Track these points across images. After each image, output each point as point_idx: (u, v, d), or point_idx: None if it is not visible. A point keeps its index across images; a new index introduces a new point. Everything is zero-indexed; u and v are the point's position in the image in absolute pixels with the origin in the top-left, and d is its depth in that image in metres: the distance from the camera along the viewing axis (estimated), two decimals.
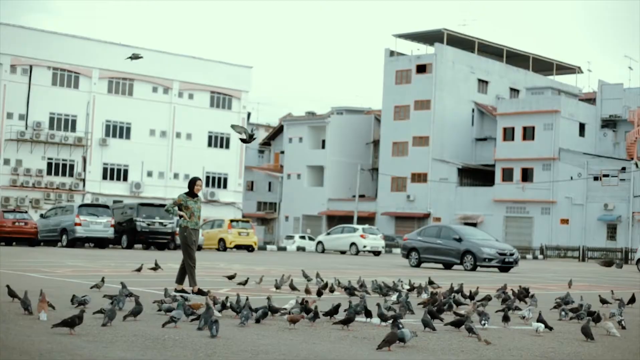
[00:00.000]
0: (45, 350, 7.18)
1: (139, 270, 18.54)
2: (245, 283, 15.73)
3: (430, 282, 17.06)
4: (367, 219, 71.97)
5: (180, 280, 13.83)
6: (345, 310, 10.05)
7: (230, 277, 16.99)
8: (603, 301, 14.10)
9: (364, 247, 47.40)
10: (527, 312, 11.16)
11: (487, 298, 13.02)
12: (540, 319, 10.02)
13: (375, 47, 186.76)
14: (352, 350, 8.05)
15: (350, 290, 13.90)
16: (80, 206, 40.28)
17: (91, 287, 13.48)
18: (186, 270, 13.79)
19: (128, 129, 66.79)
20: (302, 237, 61.18)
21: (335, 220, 73.76)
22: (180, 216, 13.86)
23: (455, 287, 14.50)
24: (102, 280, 13.77)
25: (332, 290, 14.43)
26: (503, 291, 14.72)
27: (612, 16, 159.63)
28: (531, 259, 55.62)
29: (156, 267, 19.31)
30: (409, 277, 19.77)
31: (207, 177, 70.33)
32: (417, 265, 31.05)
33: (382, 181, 75.12)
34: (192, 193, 14.07)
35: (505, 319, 10.46)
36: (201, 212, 14.29)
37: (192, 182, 14.20)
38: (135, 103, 66.78)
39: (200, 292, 13.33)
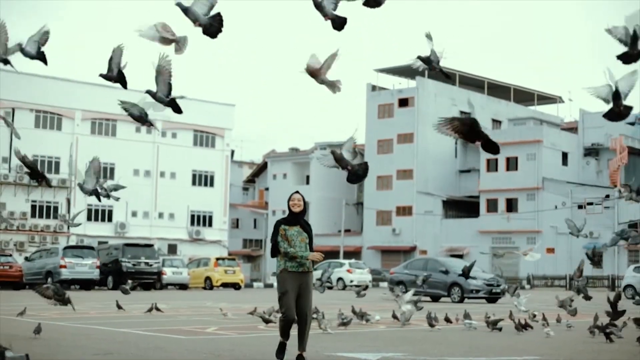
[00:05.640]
0: None
1: (149, 311, 18.51)
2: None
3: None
4: (354, 254, 71.76)
5: (299, 343, 9.47)
6: None
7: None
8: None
9: (351, 281, 47.30)
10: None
11: None
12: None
13: (357, 82, 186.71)
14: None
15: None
16: (65, 248, 40.08)
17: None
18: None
19: (112, 170, 66.53)
20: None
21: None
22: (286, 253, 9.39)
23: None
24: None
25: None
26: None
27: (590, 45, 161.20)
28: (518, 289, 55.51)
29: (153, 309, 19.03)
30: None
31: (192, 216, 70.13)
32: None
33: (367, 215, 75.12)
34: (292, 216, 9.65)
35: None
36: (308, 241, 9.60)
37: (288, 200, 9.74)
38: (118, 143, 66.62)
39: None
